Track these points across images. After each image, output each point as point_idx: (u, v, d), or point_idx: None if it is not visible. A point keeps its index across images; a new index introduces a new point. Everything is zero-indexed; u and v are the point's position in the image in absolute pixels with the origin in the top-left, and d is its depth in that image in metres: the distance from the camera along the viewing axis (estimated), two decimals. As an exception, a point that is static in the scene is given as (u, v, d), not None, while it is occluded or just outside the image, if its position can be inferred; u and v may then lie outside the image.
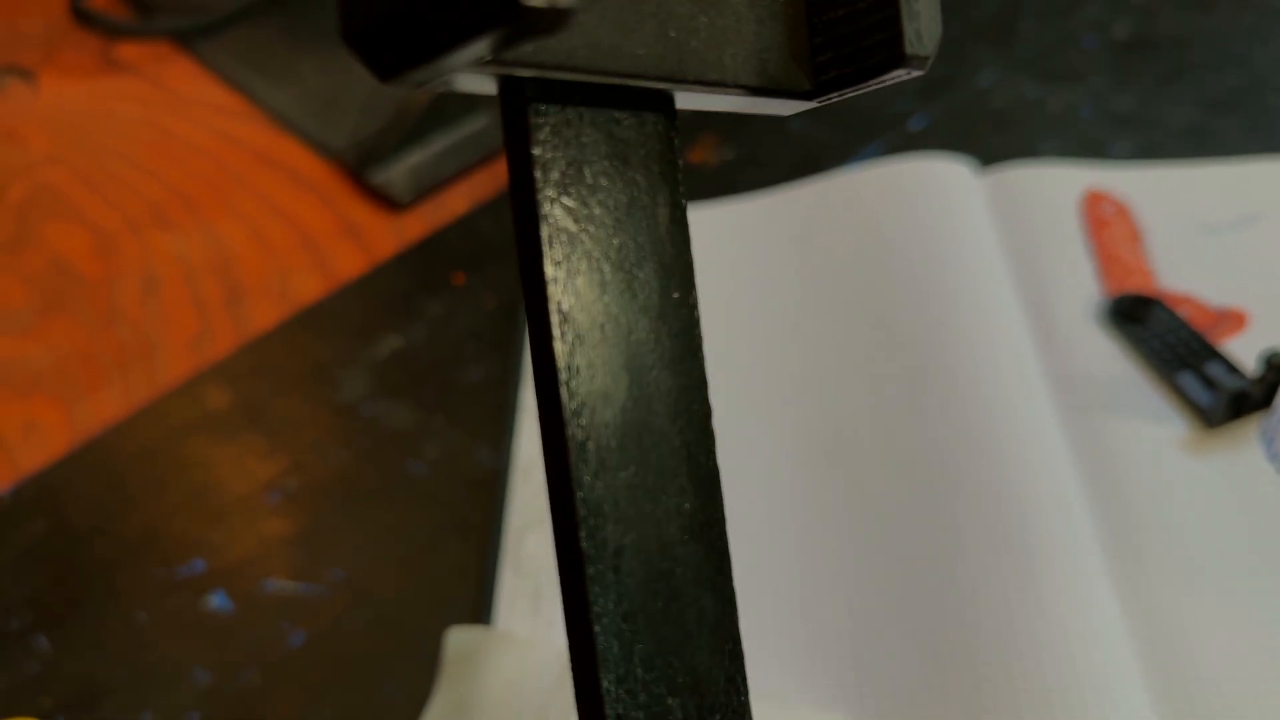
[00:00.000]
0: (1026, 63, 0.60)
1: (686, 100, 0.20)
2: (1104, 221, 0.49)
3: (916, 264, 0.47)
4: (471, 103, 0.59)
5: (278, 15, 0.70)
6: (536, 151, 0.18)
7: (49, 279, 0.57)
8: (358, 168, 0.58)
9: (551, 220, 0.18)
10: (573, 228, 0.18)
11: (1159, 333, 0.44)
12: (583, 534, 0.18)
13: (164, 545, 0.44)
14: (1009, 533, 0.38)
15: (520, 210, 0.18)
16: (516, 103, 0.18)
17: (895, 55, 0.19)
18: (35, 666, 0.41)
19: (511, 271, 0.53)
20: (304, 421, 0.48)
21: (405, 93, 0.59)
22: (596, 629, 0.19)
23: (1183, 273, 0.47)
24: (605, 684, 0.19)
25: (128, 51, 0.71)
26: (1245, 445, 0.41)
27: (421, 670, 0.39)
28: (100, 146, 0.65)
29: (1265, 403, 0.41)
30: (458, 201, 0.57)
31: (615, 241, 0.19)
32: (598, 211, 0.19)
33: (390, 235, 0.56)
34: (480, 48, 0.15)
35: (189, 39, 0.70)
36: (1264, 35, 0.60)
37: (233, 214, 0.58)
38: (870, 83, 0.20)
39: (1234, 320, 0.45)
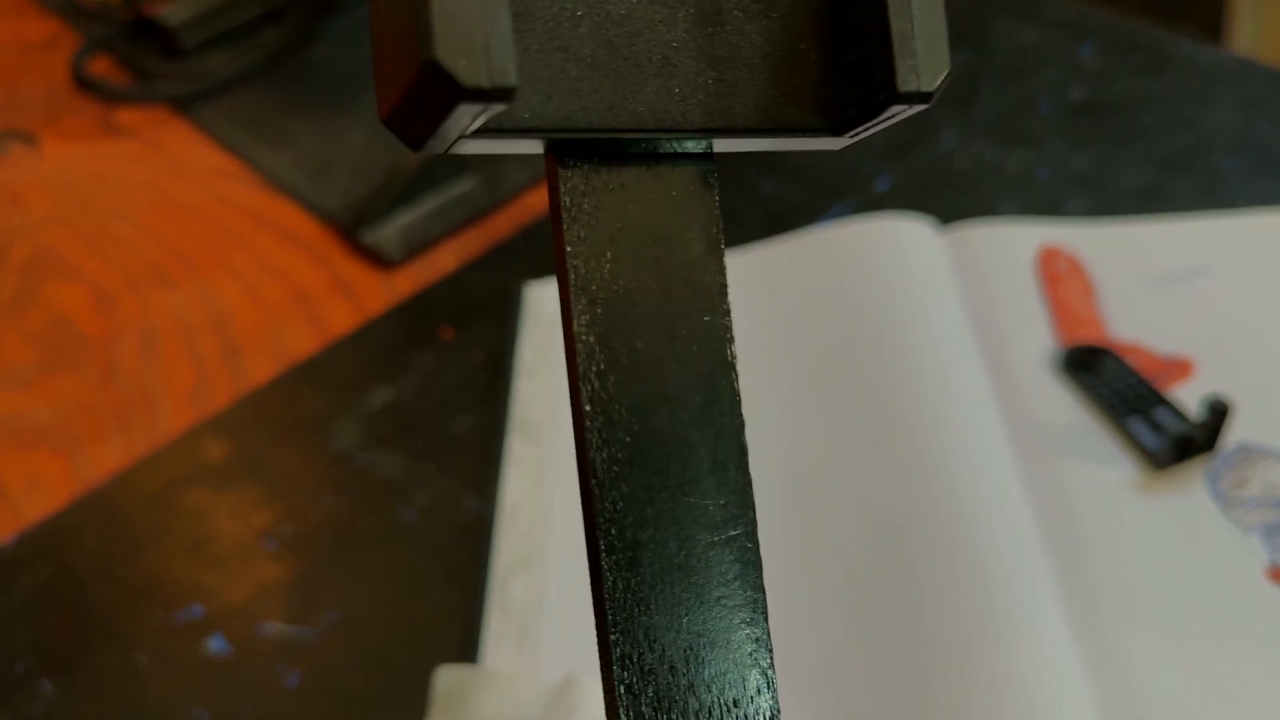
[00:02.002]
0: (986, 126, 0.63)
1: (716, 145, 0.22)
2: (1058, 276, 0.52)
3: (882, 318, 0.50)
4: (459, 165, 0.61)
5: (272, 81, 0.73)
6: (565, 205, 0.20)
7: (51, 336, 0.59)
8: (350, 228, 0.61)
9: (580, 265, 0.20)
10: (605, 274, 0.20)
11: (1110, 381, 0.47)
12: (603, 548, 0.20)
13: (164, 591, 0.46)
14: (968, 574, 0.40)
15: (558, 246, 0.20)
16: (552, 160, 0.20)
17: (892, 94, 0.20)
18: (40, 709, 0.43)
19: (498, 326, 0.55)
20: (298, 471, 0.50)
21: (394, 157, 0.62)
22: (613, 635, 0.20)
23: (1133, 324, 0.50)
24: (620, 689, 0.20)
25: (127, 116, 0.73)
26: (1192, 486, 0.44)
27: (412, 708, 0.41)
28: (101, 208, 0.67)
29: (1209, 445, 0.44)
30: (446, 259, 0.60)
31: (644, 279, 0.21)
32: (628, 246, 0.21)
33: (382, 292, 0.58)
34: (461, 119, 0.17)
35: (187, 104, 0.73)
36: (1211, 100, 0.63)
37: (229, 272, 0.61)
38: (880, 119, 0.21)
39: (1180, 368, 0.47)
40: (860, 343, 0.49)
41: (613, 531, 0.20)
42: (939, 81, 0.21)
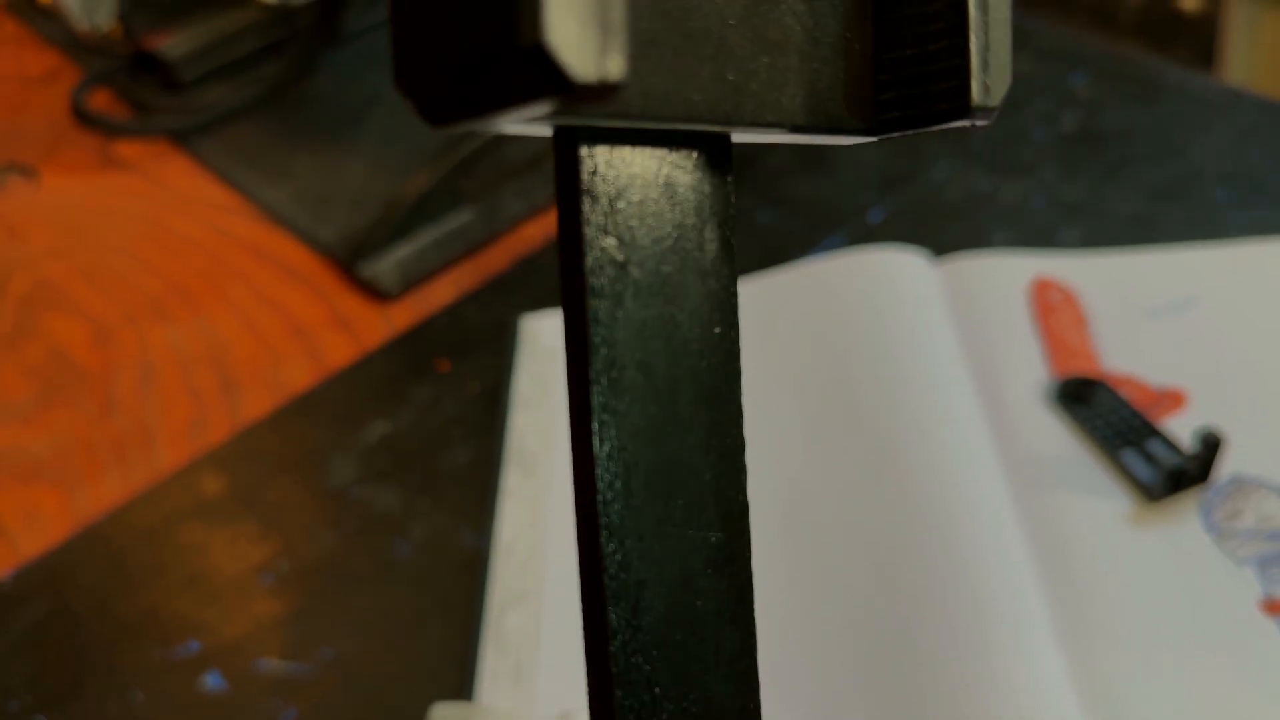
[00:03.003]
0: (979, 156, 0.64)
1: (740, 137, 0.20)
2: (1051, 307, 0.52)
3: (875, 350, 0.50)
4: (457, 198, 0.62)
5: (271, 114, 0.74)
6: (585, 183, 0.18)
7: (49, 370, 0.59)
8: (348, 261, 0.61)
9: (596, 250, 0.18)
10: (619, 257, 0.19)
11: (1103, 413, 0.47)
12: (607, 570, 0.19)
13: (161, 627, 0.46)
14: (962, 606, 0.40)
15: (566, 240, 0.18)
16: (568, 142, 0.18)
17: (961, 106, 0.19)
18: (35, 747, 0.43)
19: (494, 358, 0.55)
20: (295, 505, 0.50)
21: (392, 190, 0.62)
22: (614, 665, 0.19)
23: (1125, 355, 0.50)
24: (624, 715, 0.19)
25: (126, 150, 0.74)
26: (1185, 518, 0.44)
27: (408, 745, 0.41)
28: (100, 241, 0.67)
29: (1202, 477, 0.44)
30: (444, 292, 0.60)
31: (661, 271, 0.19)
32: (644, 242, 0.19)
33: (379, 325, 0.59)
34: (533, 111, 0.15)
35: (185, 138, 0.73)
36: (1203, 128, 0.64)
37: (227, 306, 0.61)
38: (932, 127, 0.20)
39: (1173, 400, 0.48)
40: (854, 375, 0.50)
41: (620, 577, 0.19)
42: (1002, 97, 0.19)
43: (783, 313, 0.54)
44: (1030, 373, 0.49)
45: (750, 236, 0.60)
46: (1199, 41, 1.37)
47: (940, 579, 0.42)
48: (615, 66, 0.15)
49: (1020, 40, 0.72)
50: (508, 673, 0.42)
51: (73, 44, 0.83)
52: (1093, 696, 0.39)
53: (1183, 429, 0.46)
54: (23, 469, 0.54)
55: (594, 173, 0.18)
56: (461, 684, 0.42)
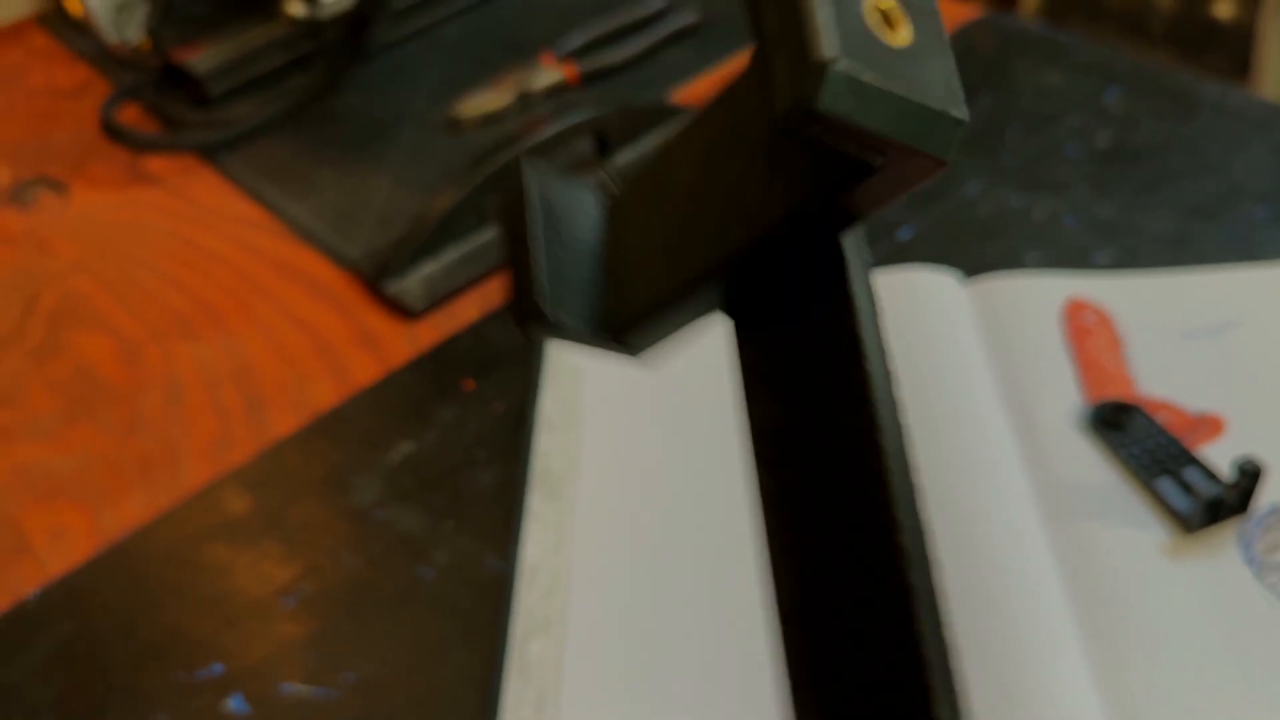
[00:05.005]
0: (1011, 173, 0.63)
1: None
2: (1085, 330, 0.51)
3: (907, 373, 0.49)
4: (482, 216, 0.62)
5: (297, 129, 0.74)
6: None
7: (75, 386, 0.59)
8: (373, 278, 0.61)
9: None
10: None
11: (1138, 439, 0.46)
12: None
13: (185, 648, 0.46)
14: (994, 636, 0.40)
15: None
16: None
17: None
18: (59, 770, 0.43)
19: (519, 378, 0.55)
20: (319, 526, 0.50)
21: (418, 207, 0.62)
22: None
23: (1161, 379, 0.49)
24: None
25: (154, 164, 0.74)
26: (1223, 550, 0.43)
27: (430, 773, 0.40)
28: (127, 256, 0.68)
29: (1241, 508, 0.43)
30: (469, 310, 0.60)
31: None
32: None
33: (404, 343, 0.58)
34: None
35: (213, 153, 0.73)
36: (1239, 144, 0.63)
37: (253, 323, 0.61)
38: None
39: (1211, 426, 0.47)
40: (884, 399, 0.49)
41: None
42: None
43: (811, 334, 0.53)
44: (1063, 397, 0.49)
45: (778, 255, 0.59)
46: (1233, 51, 1.35)
47: (969, 607, 0.41)
48: None
49: (1053, 55, 0.71)
50: (531, 701, 0.42)
51: (102, 58, 0.83)
52: (1128, 734, 0.38)
53: (1221, 457, 0.45)
54: (48, 486, 0.54)
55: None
56: (484, 711, 0.42)
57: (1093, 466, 0.46)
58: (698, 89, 0.74)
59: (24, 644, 0.47)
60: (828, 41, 0.16)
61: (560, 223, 0.24)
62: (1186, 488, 0.44)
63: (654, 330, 0.24)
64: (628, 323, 0.23)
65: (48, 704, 0.45)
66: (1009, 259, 0.57)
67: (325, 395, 0.56)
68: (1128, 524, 0.44)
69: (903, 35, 0.17)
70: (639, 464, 0.50)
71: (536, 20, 0.81)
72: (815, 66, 0.16)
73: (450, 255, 0.61)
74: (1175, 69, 0.70)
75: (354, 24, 0.77)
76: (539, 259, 0.23)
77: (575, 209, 0.25)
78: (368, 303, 0.61)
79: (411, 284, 0.60)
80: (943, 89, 0.17)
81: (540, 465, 0.50)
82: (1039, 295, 0.53)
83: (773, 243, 0.20)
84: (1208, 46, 1.38)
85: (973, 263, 0.56)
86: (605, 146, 0.66)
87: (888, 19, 0.17)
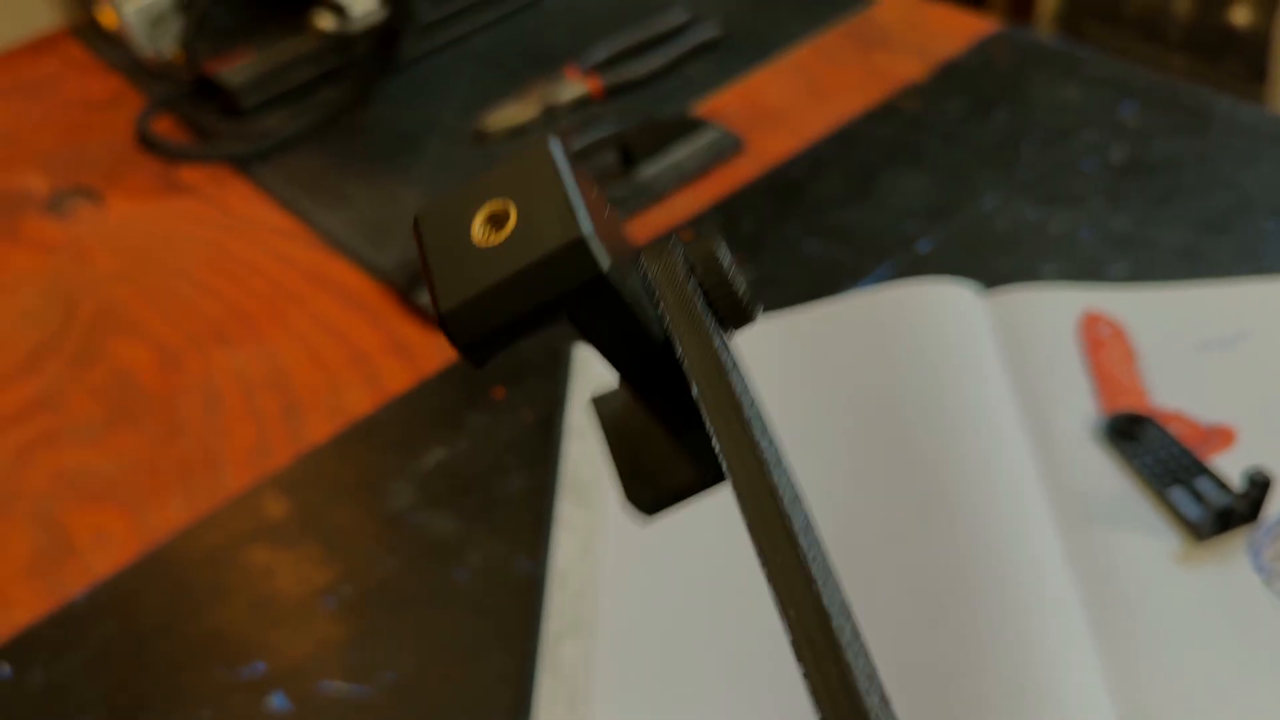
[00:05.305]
0: (1028, 186, 0.64)
1: None
2: (1100, 342, 0.52)
3: (924, 383, 0.51)
4: (510, 227, 0.63)
5: (329, 141, 0.76)
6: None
7: (116, 392, 0.61)
8: (405, 288, 0.62)
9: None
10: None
11: (1151, 449, 0.47)
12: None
13: (227, 647, 0.48)
14: (1009, 644, 0.41)
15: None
16: None
17: None
18: (109, 763, 0.44)
19: (548, 386, 0.56)
20: (356, 530, 0.52)
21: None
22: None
23: (1174, 391, 0.50)
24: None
25: (189, 174, 0.76)
26: (1233, 557, 0.44)
27: (466, 769, 0.42)
28: (163, 265, 0.69)
29: (1251, 517, 0.44)
30: (497, 319, 0.61)
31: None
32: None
33: (436, 352, 0.60)
34: None
35: (246, 163, 0.75)
36: (1253, 158, 0.64)
37: (288, 331, 0.63)
38: None
39: (1222, 437, 0.48)
40: (902, 408, 0.50)
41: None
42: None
43: (830, 345, 0.55)
44: (1079, 408, 0.50)
45: (798, 267, 0.61)
46: (1249, 58, 1.35)
47: (985, 614, 0.42)
48: None
49: (1069, 69, 0.72)
50: (563, 699, 0.43)
51: (136, 70, 0.85)
52: (1141, 735, 0.39)
53: (1232, 467, 0.46)
54: (92, 489, 0.56)
55: None
56: (518, 708, 0.44)
57: (1107, 476, 0.47)
58: (719, 102, 0.75)
59: (71, 643, 0.49)
60: (444, 298, 0.21)
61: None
62: (1198, 497, 0.45)
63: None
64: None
65: (94, 701, 0.47)
66: (1026, 271, 0.58)
67: (359, 402, 0.58)
68: (1140, 532, 0.45)
69: (509, 225, 0.20)
70: (665, 471, 0.51)
71: (561, 34, 0.83)
72: (442, 319, 0.21)
73: (479, 266, 0.62)
74: (1191, 77, 0.71)
75: (383, 38, 0.79)
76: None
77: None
78: (399, 312, 0.63)
79: (442, 294, 0.62)
80: (558, 227, 0.20)
81: (569, 472, 0.52)
82: (1055, 307, 0.55)
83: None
84: (1224, 53, 1.39)
85: (990, 275, 0.57)
86: (629, 159, 0.68)
87: (494, 220, 0.21)
